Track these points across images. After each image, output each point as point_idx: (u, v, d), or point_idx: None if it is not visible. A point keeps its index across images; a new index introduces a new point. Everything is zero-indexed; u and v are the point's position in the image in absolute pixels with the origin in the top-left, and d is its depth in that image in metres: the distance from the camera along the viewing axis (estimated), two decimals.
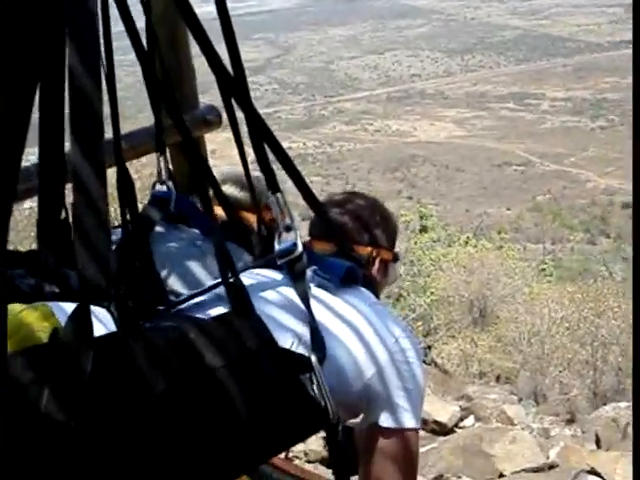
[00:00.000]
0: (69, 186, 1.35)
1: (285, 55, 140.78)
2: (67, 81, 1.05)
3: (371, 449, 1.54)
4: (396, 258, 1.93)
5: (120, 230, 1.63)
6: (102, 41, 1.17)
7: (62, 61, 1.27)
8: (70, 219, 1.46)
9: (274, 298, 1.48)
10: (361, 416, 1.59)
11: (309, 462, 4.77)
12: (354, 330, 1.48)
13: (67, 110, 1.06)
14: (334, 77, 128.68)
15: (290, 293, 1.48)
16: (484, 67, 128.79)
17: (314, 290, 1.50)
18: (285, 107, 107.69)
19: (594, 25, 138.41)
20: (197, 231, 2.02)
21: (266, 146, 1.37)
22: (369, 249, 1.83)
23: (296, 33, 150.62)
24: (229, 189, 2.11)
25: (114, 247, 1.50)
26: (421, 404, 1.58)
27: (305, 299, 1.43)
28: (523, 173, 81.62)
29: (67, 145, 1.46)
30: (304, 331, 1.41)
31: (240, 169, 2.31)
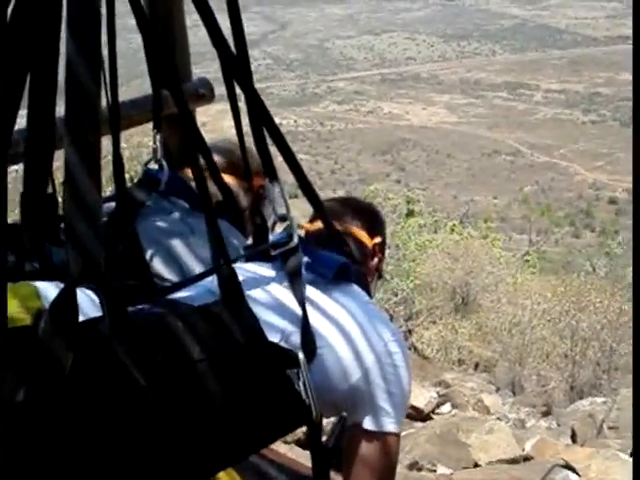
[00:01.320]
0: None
1: (280, 31, 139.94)
2: (65, 71, 0.99)
3: (352, 449, 1.53)
4: (380, 275, 1.89)
5: (112, 204, 1.59)
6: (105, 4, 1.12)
7: (57, 33, 1.23)
8: (57, 193, 1.42)
9: (264, 297, 1.44)
10: None
11: (285, 443, 4.75)
12: (343, 332, 1.45)
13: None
14: (329, 56, 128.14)
15: (281, 292, 1.45)
16: (480, 54, 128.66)
17: (306, 289, 1.46)
18: (278, 83, 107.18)
19: (592, 19, 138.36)
20: (187, 205, 1.97)
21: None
22: (378, 239, 1.82)
23: (293, 9, 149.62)
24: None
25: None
26: (405, 408, 1.57)
27: (301, 302, 1.39)
28: (512, 163, 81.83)
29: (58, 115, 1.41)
30: (293, 330, 1.39)
31: (223, 138, 2.27)
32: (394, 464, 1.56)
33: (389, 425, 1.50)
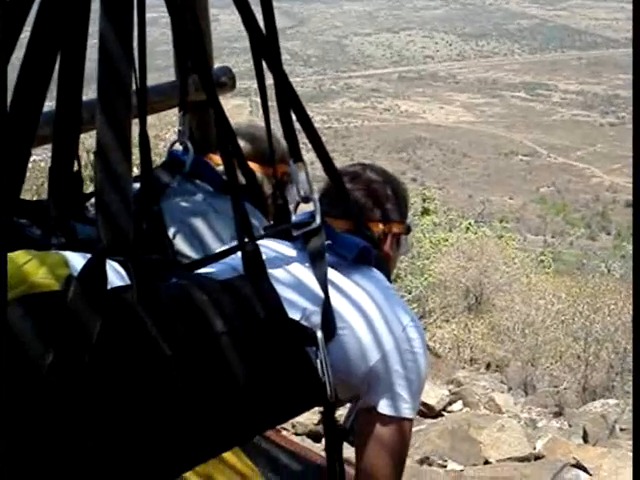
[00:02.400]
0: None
1: (299, 26, 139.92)
2: (98, 52, 1.02)
3: (366, 432, 1.54)
4: (408, 230, 1.89)
5: (137, 185, 1.62)
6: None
7: (86, 16, 1.25)
8: (82, 172, 1.45)
9: (286, 277, 1.46)
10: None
11: (297, 434, 4.77)
12: (363, 315, 1.46)
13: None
14: (346, 52, 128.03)
15: (303, 272, 1.47)
16: (498, 54, 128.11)
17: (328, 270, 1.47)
18: (295, 79, 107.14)
19: (612, 20, 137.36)
20: (210, 188, 2.01)
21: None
22: (381, 226, 1.79)
23: (311, 5, 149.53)
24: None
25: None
26: (420, 395, 1.58)
27: (323, 282, 1.41)
28: (529, 163, 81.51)
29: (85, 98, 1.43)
30: (314, 310, 1.40)
31: (248, 123, 2.28)
32: (406, 449, 1.58)
33: (405, 411, 1.51)
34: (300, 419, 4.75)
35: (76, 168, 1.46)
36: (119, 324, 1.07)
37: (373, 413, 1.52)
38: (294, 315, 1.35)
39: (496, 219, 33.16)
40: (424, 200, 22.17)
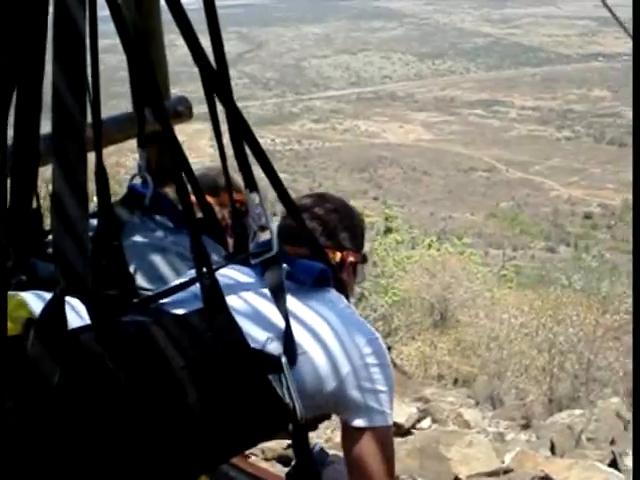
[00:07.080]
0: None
1: (257, 50, 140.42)
2: (51, 99, 1.04)
3: (345, 446, 1.60)
4: (364, 259, 1.93)
5: (96, 220, 1.63)
6: (87, 23, 1.15)
7: (42, 53, 1.26)
8: (42, 207, 1.45)
9: (244, 307, 1.47)
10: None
11: (266, 460, 4.74)
12: (319, 342, 1.49)
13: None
14: (305, 75, 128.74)
15: (261, 301, 1.49)
16: (454, 72, 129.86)
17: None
18: (255, 102, 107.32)
19: (564, 36, 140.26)
20: (170, 224, 2.02)
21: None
22: (338, 254, 1.83)
23: (269, 28, 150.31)
24: None
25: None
26: (391, 402, 1.60)
27: (284, 312, 1.42)
28: (488, 179, 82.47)
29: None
30: (274, 339, 1.41)
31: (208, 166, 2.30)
32: (391, 453, 1.61)
33: (375, 420, 1.55)
34: (269, 444, 4.73)
35: (35, 204, 1.47)
36: (79, 366, 1.07)
37: (348, 429, 1.58)
38: (255, 344, 1.36)
39: (457, 235, 33.43)
40: (386, 219, 22.31)
